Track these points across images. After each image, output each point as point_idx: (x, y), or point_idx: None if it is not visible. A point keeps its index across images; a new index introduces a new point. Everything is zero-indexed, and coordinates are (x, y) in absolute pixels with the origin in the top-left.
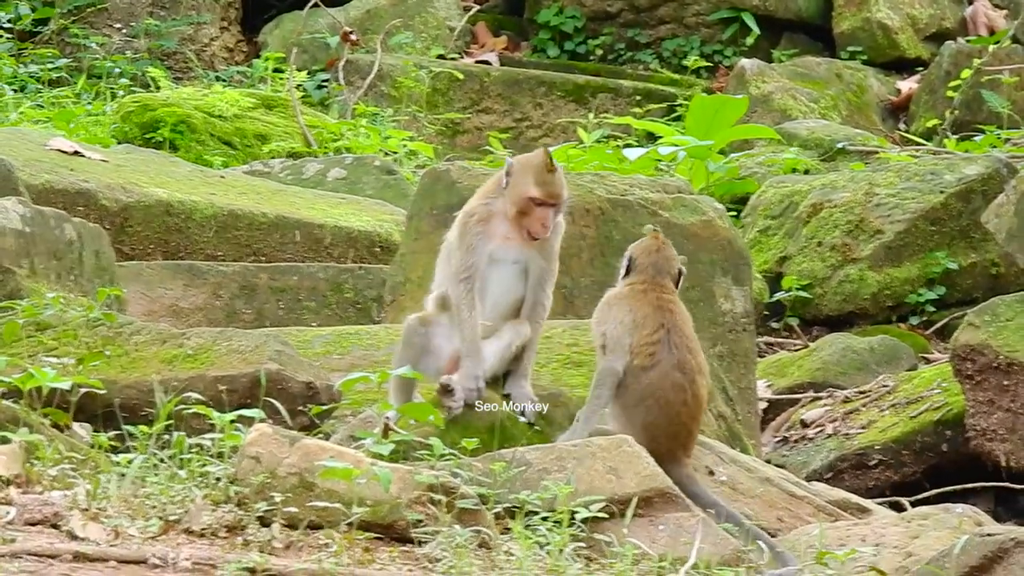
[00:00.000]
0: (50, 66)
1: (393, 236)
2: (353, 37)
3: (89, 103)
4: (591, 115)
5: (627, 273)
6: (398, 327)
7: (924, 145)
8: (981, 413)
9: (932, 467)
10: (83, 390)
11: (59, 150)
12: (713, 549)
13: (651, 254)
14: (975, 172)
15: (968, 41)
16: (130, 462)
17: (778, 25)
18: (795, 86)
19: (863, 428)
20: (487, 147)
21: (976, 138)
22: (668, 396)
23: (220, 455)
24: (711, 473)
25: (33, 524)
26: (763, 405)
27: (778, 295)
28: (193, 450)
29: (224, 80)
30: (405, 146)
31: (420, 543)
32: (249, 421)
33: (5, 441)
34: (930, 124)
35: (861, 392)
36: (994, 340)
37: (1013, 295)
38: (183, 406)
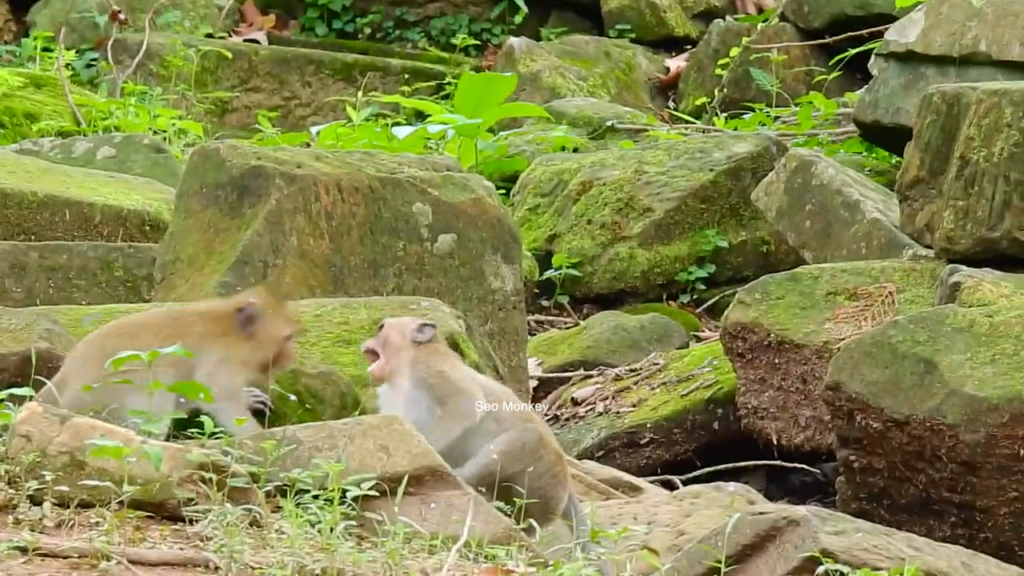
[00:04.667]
0: None
1: (163, 215)
2: (121, 16)
3: None
4: (360, 93)
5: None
6: (168, 306)
7: (693, 123)
8: (752, 391)
9: (704, 445)
10: None
11: None
12: (485, 527)
13: None
14: (744, 150)
15: (737, 19)
16: None
17: (547, 3)
18: (564, 64)
19: (634, 406)
20: (256, 126)
21: (745, 116)
22: None
23: None
24: None
25: None
26: (534, 383)
27: (548, 273)
28: None
29: None
30: (174, 125)
31: (191, 522)
32: (20, 400)
33: None
34: (699, 102)
35: (632, 370)
36: (765, 318)
37: (783, 273)
38: None
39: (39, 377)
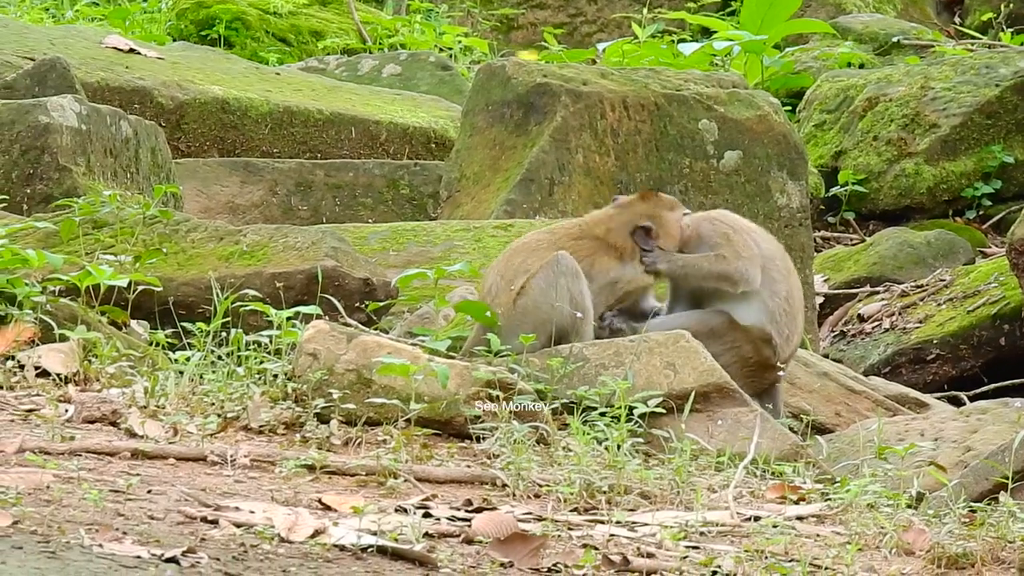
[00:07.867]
0: None
1: (448, 132)
2: None
3: (144, 0)
4: (645, 10)
5: None
6: (454, 223)
7: (979, 39)
8: None
9: (990, 361)
10: (140, 288)
11: (115, 48)
12: (771, 444)
13: None
14: None
15: None
16: (188, 359)
17: None
18: None
19: (920, 322)
20: (542, 43)
21: None
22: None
23: (278, 352)
24: None
25: (92, 422)
26: (820, 300)
27: (834, 189)
28: (251, 347)
29: None
30: (460, 42)
31: (478, 439)
32: (306, 318)
33: (63, 339)
34: (985, 17)
35: (918, 286)
36: None
37: None
38: (240, 303)
39: (325, 295)
